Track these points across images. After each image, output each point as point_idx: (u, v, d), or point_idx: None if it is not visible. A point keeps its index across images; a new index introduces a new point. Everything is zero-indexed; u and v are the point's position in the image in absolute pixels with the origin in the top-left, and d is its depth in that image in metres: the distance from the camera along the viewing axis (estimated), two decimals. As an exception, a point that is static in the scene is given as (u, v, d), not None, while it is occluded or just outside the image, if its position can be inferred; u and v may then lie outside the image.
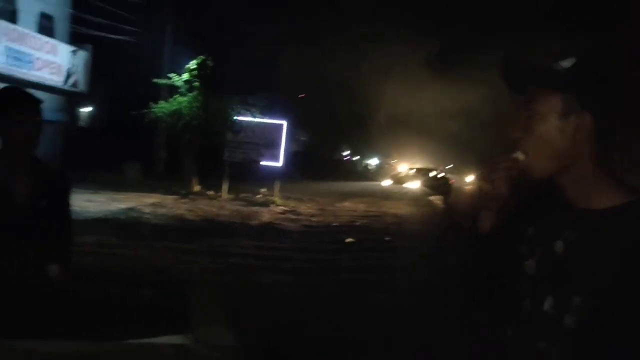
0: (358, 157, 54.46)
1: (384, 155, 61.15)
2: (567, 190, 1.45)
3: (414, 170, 33.70)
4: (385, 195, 26.59)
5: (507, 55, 1.53)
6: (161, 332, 4.77)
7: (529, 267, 1.46)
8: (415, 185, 30.55)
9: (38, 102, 2.44)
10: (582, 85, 1.40)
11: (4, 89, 2.53)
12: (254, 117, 22.20)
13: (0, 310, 2.28)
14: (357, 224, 15.57)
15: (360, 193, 26.75)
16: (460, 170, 34.71)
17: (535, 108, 1.44)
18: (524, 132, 1.45)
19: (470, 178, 33.48)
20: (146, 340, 2.62)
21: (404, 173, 33.96)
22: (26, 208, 2.36)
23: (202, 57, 21.86)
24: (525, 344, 1.42)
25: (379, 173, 36.73)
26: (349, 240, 12.24)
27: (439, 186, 28.78)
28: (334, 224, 15.34)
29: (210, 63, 21.88)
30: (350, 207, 20.51)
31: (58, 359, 1.64)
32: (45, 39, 20.08)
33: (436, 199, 25.87)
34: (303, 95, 30.74)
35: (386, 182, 33.41)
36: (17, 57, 18.43)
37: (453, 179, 33.50)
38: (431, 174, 32.78)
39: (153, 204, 15.92)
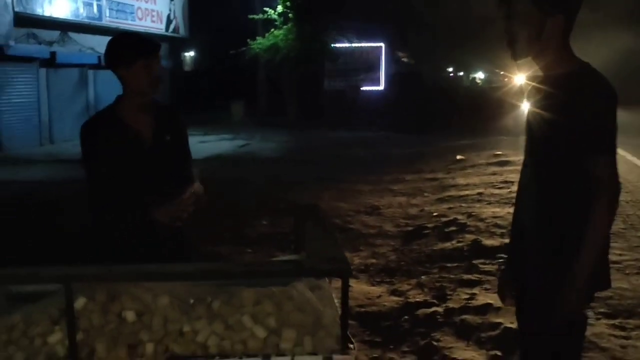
0: (462, 72, 52.44)
1: (488, 68, 58.25)
2: None
3: None
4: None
5: None
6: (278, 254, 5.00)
7: None
8: None
9: (157, 46, 2.48)
10: None
11: (124, 35, 2.55)
12: (351, 42, 21.90)
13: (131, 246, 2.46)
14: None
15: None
16: None
17: None
18: None
19: None
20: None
21: None
22: (152, 146, 2.53)
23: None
24: None
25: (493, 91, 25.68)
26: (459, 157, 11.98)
27: None
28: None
29: (302, -8, 21.65)
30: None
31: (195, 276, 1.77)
32: (143, -12, 20.75)
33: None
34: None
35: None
36: (120, 9, 19.23)
37: None
38: None
39: (260, 139, 16.36)
